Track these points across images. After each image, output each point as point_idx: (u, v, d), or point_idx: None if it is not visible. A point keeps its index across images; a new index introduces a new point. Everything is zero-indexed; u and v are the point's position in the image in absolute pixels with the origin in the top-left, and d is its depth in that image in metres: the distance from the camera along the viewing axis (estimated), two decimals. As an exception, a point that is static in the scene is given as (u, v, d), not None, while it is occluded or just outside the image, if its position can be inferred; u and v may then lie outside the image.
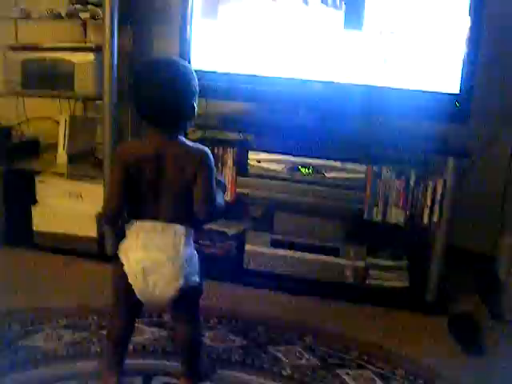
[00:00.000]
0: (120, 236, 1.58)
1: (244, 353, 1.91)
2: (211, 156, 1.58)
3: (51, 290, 2.25)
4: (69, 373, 1.74)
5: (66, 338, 1.92)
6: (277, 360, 1.88)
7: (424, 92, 2.22)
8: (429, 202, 2.21)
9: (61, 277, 2.37)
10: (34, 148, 2.88)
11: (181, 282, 1.54)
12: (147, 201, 1.55)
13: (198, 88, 1.57)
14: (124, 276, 1.55)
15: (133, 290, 1.55)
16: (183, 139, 1.59)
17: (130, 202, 1.57)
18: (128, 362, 1.75)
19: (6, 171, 2.66)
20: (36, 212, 2.67)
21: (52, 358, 1.81)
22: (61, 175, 2.66)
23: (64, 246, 2.59)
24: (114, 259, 1.59)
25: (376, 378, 1.81)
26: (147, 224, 1.54)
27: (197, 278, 1.59)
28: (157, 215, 1.55)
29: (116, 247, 1.60)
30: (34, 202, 2.69)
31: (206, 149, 1.58)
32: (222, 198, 1.65)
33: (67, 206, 2.64)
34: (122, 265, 1.55)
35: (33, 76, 2.50)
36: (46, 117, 2.89)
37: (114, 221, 1.61)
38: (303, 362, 1.88)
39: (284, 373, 1.81)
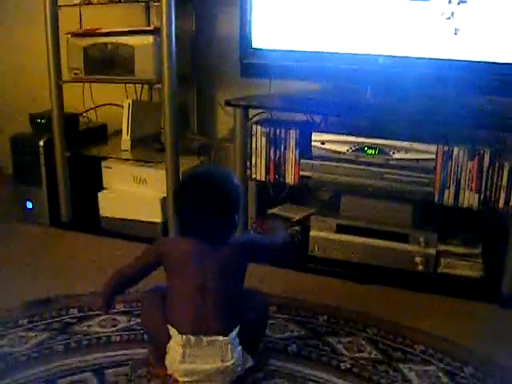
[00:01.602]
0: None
1: (302, 344, 1.81)
2: (250, 237, 1.74)
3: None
4: (121, 359, 1.71)
5: (121, 324, 1.90)
6: (336, 352, 1.78)
7: (500, 64, 2.02)
8: (505, 185, 2.02)
9: (123, 262, 2.35)
10: (101, 134, 2.91)
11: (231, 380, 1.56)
12: (188, 304, 1.52)
13: (240, 203, 1.59)
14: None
15: None
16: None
17: (171, 305, 1.56)
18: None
19: (73, 157, 2.67)
20: (102, 197, 2.69)
21: (105, 344, 1.79)
22: (125, 161, 2.66)
23: (129, 232, 2.59)
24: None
25: (442, 375, 1.67)
26: (191, 339, 1.50)
27: (250, 362, 1.59)
28: (202, 324, 1.51)
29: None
30: (101, 187, 2.72)
31: (245, 238, 1.75)
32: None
33: (132, 191, 2.64)
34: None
35: (95, 62, 2.49)
36: (113, 103, 2.91)
37: (115, 287, 1.64)
38: (364, 355, 1.77)
39: (342, 366, 1.71)
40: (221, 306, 1.53)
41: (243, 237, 1.70)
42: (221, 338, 1.51)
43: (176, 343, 1.52)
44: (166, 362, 1.55)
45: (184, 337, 1.51)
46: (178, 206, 1.57)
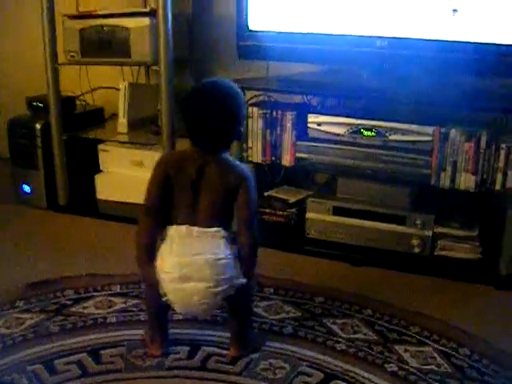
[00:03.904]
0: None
1: (297, 325, 1.82)
2: (252, 180, 1.59)
3: (110, 258, 2.25)
4: (116, 340, 1.72)
5: (118, 306, 1.91)
6: (332, 333, 1.78)
7: (499, 46, 2.00)
8: (502, 166, 2.01)
9: (120, 245, 2.37)
10: (98, 117, 2.90)
11: (223, 287, 1.50)
12: (185, 206, 1.54)
13: (244, 113, 1.62)
14: (155, 285, 1.54)
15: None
16: (227, 156, 1.61)
17: (168, 209, 1.57)
18: (175, 331, 1.73)
19: (70, 140, 2.66)
20: (99, 180, 2.68)
21: (101, 325, 1.80)
22: (122, 143, 2.65)
23: (126, 215, 2.59)
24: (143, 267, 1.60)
25: (437, 356, 1.67)
26: (183, 229, 1.52)
27: (242, 280, 1.54)
28: (194, 221, 1.53)
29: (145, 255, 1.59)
30: (98, 170, 2.71)
31: (249, 171, 1.61)
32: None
33: (129, 174, 2.63)
34: (154, 272, 1.53)
35: (91, 44, 2.48)
36: (110, 86, 2.88)
37: (154, 213, 1.59)
38: (360, 336, 1.77)
39: (338, 347, 1.71)
40: (212, 210, 1.53)
41: (245, 166, 1.67)
42: (214, 229, 1.52)
43: (168, 236, 1.54)
44: (156, 262, 1.54)
45: (175, 226, 1.53)
46: (183, 113, 1.57)
